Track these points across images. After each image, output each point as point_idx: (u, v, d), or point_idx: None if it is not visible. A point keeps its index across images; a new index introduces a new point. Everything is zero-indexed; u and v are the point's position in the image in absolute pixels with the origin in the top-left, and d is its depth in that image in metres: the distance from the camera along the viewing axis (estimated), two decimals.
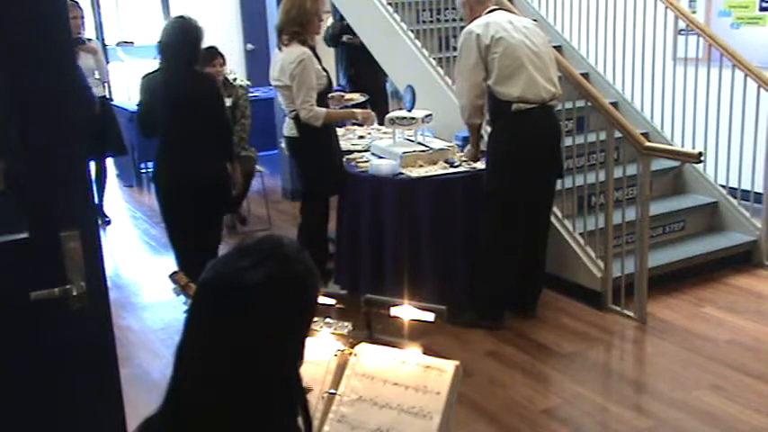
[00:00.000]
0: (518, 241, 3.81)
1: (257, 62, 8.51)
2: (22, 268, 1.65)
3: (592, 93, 4.05)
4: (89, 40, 5.76)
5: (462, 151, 4.19)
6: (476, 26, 3.71)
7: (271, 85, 4.25)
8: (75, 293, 1.64)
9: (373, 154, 4.36)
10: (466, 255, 3.95)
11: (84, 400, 1.75)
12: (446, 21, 5.13)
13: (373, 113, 4.48)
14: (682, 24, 5.13)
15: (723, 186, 4.92)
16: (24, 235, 1.64)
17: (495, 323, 3.87)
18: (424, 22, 5.22)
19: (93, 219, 1.81)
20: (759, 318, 3.94)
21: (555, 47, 4.57)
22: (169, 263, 4.59)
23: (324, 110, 3.99)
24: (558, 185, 4.23)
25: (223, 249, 4.58)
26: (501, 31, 3.66)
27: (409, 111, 4.33)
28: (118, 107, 6.63)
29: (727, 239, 4.65)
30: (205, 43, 3.83)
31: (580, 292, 4.15)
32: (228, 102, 5.35)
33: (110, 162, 6.70)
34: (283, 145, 4.54)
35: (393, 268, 3.93)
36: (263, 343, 1.20)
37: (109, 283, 1.78)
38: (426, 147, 4.20)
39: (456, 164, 4.08)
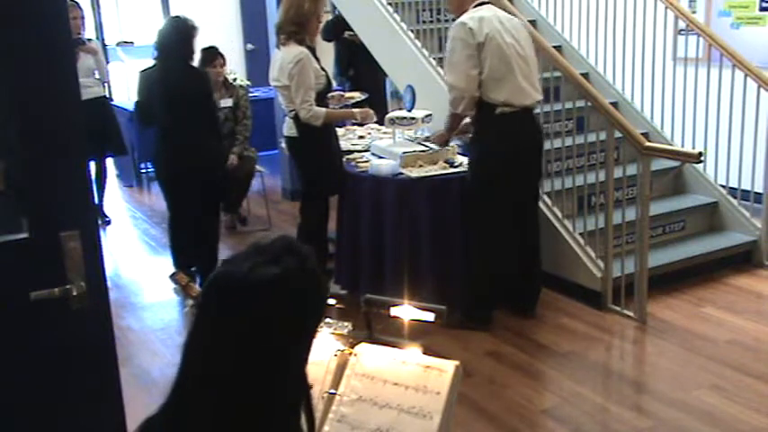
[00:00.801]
0: (502, 242, 3.80)
1: (257, 62, 8.51)
2: (22, 268, 1.65)
3: (592, 93, 4.05)
4: (89, 40, 5.75)
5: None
6: (469, 19, 3.68)
7: (271, 85, 4.25)
8: (75, 293, 1.64)
9: (373, 154, 4.36)
10: (466, 255, 3.94)
11: (84, 400, 1.75)
12: (446, 21, 5.11)
13: (371, 111, 4.48)
14: (682, 24, 5.13)
15: (723, 186, 4.92)
16: (24, 235, 1.64)
17: (483, 325, 3.85)
18: (424, 22, 5.22)
19: (93, 219, 1.81)
20: (759, 318, 3.94)
21: (555, 47, 4.59)
22: (169, 263, 4.61)
23: (323, 109, 3.99)
24: (558, 185, 4.23)
25: (223, 249, 4.60)
26: (493, 30, 3.65)
27: (409, 111, 4.34)
28: (118, 107, 6.63)
29: (727, 239, 4.65)
30: (205, 43, 3.90)
31: (580, 291, 4.15)
32: (229, 102, 5.36)
33: (110, 162, 6.70)
34: (283, 145, 4.54)
35: (393, 268, 3.93)
36: (274, 343, 1.19)
37: (109, 283, 1.78)
38: (426, 147, 4.20)
39: (456, 164, 4.08)
